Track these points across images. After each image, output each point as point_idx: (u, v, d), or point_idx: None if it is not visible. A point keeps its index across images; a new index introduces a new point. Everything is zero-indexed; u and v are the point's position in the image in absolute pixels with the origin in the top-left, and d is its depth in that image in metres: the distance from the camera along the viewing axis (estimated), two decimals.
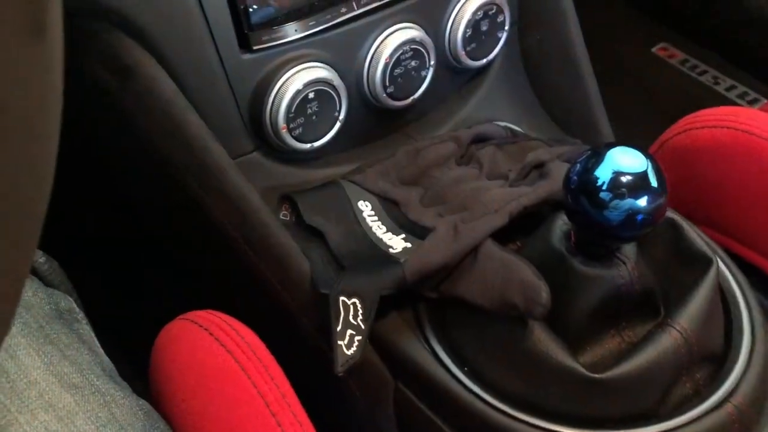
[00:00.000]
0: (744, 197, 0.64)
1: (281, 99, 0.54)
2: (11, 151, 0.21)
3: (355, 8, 0.56)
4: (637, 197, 0.45)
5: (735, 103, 1.26)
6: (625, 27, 1.38)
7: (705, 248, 0.53)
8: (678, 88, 1.30)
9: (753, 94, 1.27)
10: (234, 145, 0.55)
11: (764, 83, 1.24)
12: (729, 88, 1.29)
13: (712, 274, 0.51)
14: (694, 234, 0.54)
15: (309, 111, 0.55)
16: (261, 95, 0.55)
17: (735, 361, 0.50)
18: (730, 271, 0.55)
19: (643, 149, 0.46)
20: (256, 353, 0.45)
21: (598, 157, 0.46)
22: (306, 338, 0.53)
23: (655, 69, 1.32)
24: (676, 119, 0.69)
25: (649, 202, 0.45)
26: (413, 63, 0.59)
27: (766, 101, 1.21)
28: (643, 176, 0.45)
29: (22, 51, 0.20)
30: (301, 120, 0.55)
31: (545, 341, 0.48)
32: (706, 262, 0.52)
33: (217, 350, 0.46)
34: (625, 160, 0.45)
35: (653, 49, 1.36)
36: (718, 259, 0.54)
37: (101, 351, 0.48)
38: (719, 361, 0.51)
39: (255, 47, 0.54)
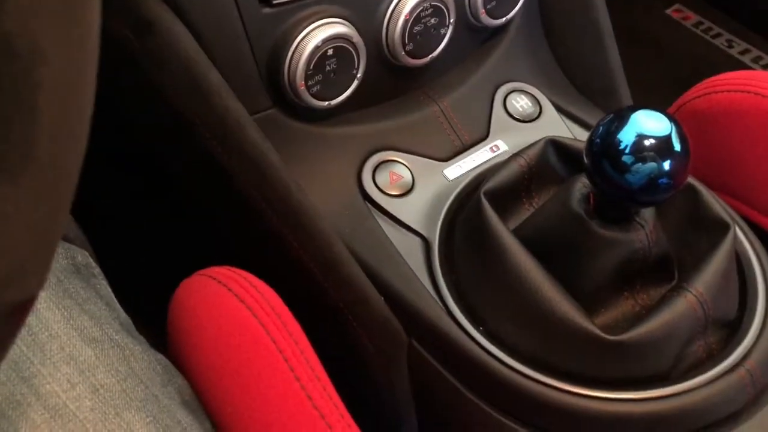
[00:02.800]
0: (762, 164, 0.63)
1: (300, 55, 0.53)
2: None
3: None
4: (660, 161, 0.45)
5: (749, 67, 1.24)
6: None
7: (722, 214, 0.53)
8: (691, 51, 1.28)
9: (767, 58, 1.25)
10: (252, 101, 0.54)
11: None
12: (743, 52, 1.27)
13: (728, 239, 0.51)
14: (712, 199, 0.54)
15: (327, 68, 0.55)
16: (280, 51, 0.54)
17: (749, 326, 0.51)
18: (747, 238, 0.55)
19: (667, 113, 0.46)
20: (275, 309, 0.46)
21: (621, 120, 0.46)
22: (323, 296, 0.54)
23: (669, 31, 1.30)
24: (689, 83, 0.68)
25: (671, 166, 0.45)
26: (433, 20, 0.58)
27: None
28: (666, 140, 0.45)
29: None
30: (319, 77, 0.55)
31: (560, 302, 0.48)
32: (723, 228, 0.52)
33: (236, 305, 0.46)
34: (648, 124, 0.45)
35: (667, 11, 1.35)
36: (735, 226, 0.54)
37: (118, 306, 0.48)
38: (733, 326, 0.52)
39: (275, 2, 0.53)
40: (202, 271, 0.49)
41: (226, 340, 0.46)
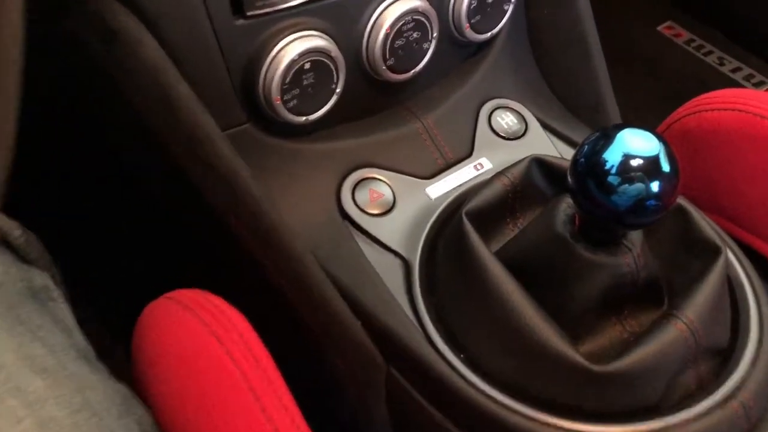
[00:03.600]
0: (753, 183, 0.62)
1: (275, 69, 0.51)
2: None
3: None
4: (647, 182, 0.43)
5: (741, 85, 1.24)
6: (632, 3, 1.36)
7: (713, 236, 0.51)
8: (683, 68, 1.27)
9: (759, 77, 1.25)
10: (225, 116, 0.52)
11: None
12: (734, 70, 1.27)
13: (720, 263, 0.49)
14: (703, 221, 0.52)
15: (304, 82, 0.53)
16: (254, 64, 0.52)
17: (742, 355, 0.49)
18: (739, 261, 0.53)
19: (654, 131, 0.44)
20: (242, 336, 0.43)
21: (607, 138, 0.44)
22: (297, 319, 0.51)
23: (661, 48, 1.30)
24: (681, 100, 0.67)
25: (660, 187, 0.43)
26: (415, 35, 0.56)
27: None
28: (654, 160, 0.43)
29: None
30: (296, 91, 0.53)
31: (543, 329, 0.46)
32: (714, 251, 0.50)
33: (201, 331, 0.43)
34: (636, 143, 0.43)
35: (659, 28, 1.34)
36: (727, 248, 0.52)
37: (77, 332, 0.46)
38: (725, 355, 0.49)
39: (249, 13, 0.51)
40: (168, 294, 0.47)
41: (190, 367, 0.43)
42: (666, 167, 0.43)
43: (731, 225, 0.62)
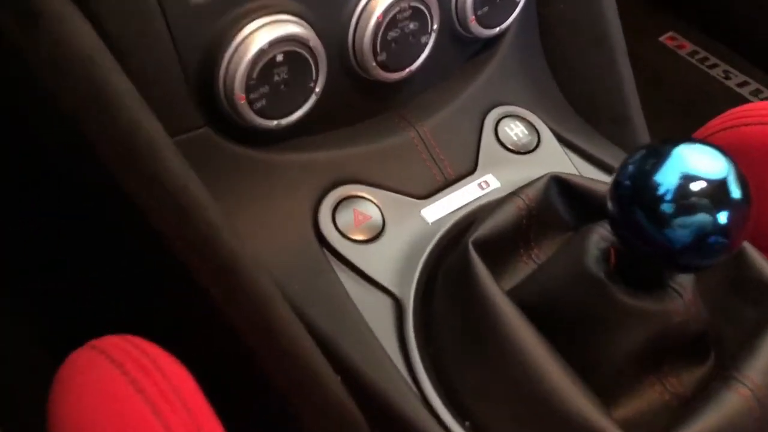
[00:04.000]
0: None
1: (239, 61, 0.43)
2: None
3: None
4: (713, 212, 0.34)
5: (748, 101, 1.20)
6: (632, 12, 1.32)
7: None
8: (687, 81, 1.24)
9: (766, 92, 1.20)
10: (176, 118, 0.44)
11: None
12: (741, 84, 1.23)
13: None
14: (759, 257, 0.44)
15: (276, 78, 0.45)
16: (214, 55, 0.44)
17: None
18: None
19: (719, 147, 0.35)
20: (182, 398, 0.35)
21: (659, 155, 0.35)
22: (262, 376, 0.43)
23: (664, 60, 1.27)
24: (688, 115, 0.60)
25: (729, 219, 0.34)
26: (411, 26, 0.49)
27: None
28: (722, 184, 0.34)
29: None
30: (264, 89, 0.45)
31: (572, 395, 0.38)
32: None
33: (128, 393, 0.34)
34: (697, 162, 0.35)
35: (661, 39, 1.30)
36: None
37: None
38: None
39: None
40: (94, 342, 0.38)
41: (112, 427, 0.34)
42: (737, 193, 0.34)
43: None
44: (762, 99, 1.21)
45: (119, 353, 0.36)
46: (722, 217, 0.34)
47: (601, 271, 0.39)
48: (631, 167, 0.36)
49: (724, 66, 1.26)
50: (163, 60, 0.43)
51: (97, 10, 0.41)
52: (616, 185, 0.36)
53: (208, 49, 0.44)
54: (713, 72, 1.26)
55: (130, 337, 0.38)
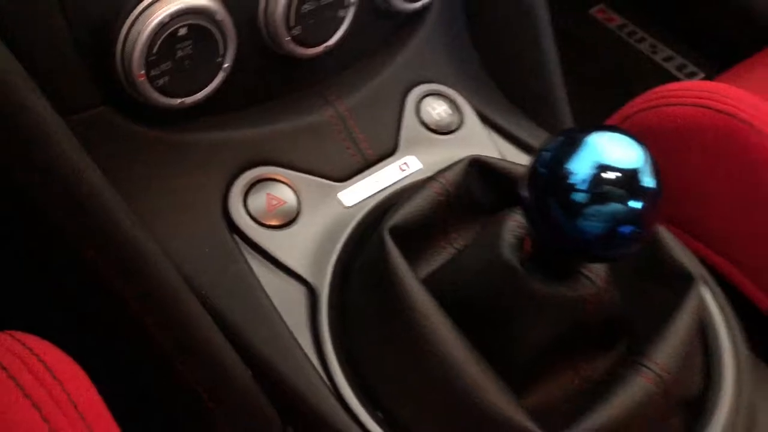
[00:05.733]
0: (720, 194, 0.54)
1: (138, 34, 0.41)
2: None
3: None
4: (626, 202, 0.33)
5: (674, 76, 1.22)
6: None
7: (685, 260, 0.43)
8: (615, 54, 1.25)
9: (691, 67, 1.23)
10: (69, 97, 0.41)
11: (703, 56, 1.18)
12: (667, 59, 1.25)
13: (694, 296, 0.42)
14: (672, 241, 0.44)
15: (179, 54, 0.42)
16: (109, 27, 0.41)
17: (716, 406, 0.41)
18: (711, 291, 0.46)
19: (634, 136, 0.34)
20: (77, 405, 0.32)
21: (574, 144, 0.34)
22: (170, 373, 0.41)
23: (592, 33, 1.27)
24: (616, 89, 0.61)
25: (642, 208, 0.33)
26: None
27: (704, 75, 1.18)
28: (634, 173, 0.34)
29: None
30: (167, 65, 0.42)
31: (486, 387, 0.38)
32: (686, 281, 0.42)
33: (18, 402, 0.32)
34: (612, 150, 0.34)
35: (591, 11, 1.31)
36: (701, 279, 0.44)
37: None
38: (698, 405, 0.42)
39: None
40: None
41: None
42: (650, 183, 0.34)
43: (695, 242, 0.54)
44: (687, 73, 1.23)
45: (5, 354, 0.34)
46: (635, 207, 0.34)
47: (515, 259, 0.39)
48: (546, 154, 0.35)
49: (651, 40, 1.28)
50: (52, 32, 0.39)
51: None
52: (533, 172, 0.36)
53: (103, 19, 0.41)
54: (641, 46, 1.27)
55: (18, 333, 0.35)
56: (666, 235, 0.44)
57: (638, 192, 0.34)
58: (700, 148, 0.55)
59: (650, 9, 1.25)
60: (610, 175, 0.34)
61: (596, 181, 0.34)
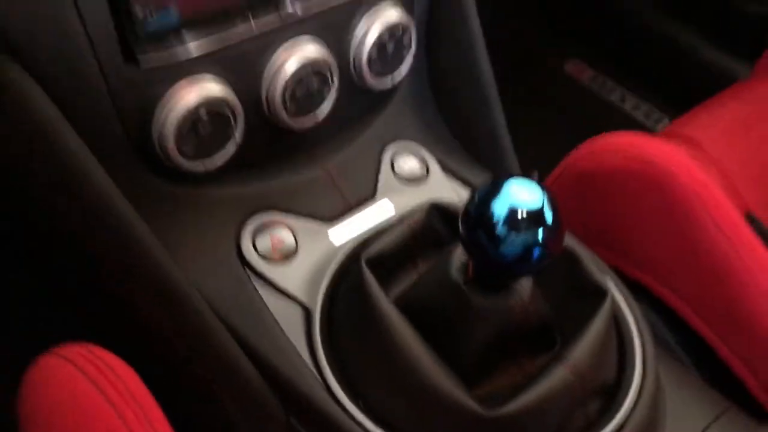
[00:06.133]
0: (640, 225, 0.65)
1: (170, 119, 0.51)
2: None
3: (254, 29, 0.53)
4: (532, 233, 0.44)
5: (640, 123, 1.26)
6: (537, 37, 1.39)
7: (600, 279, 0.53)
8: (587, 106, 1.30)
9: (657, 113, 1.29)
10: (118, 166, 0.51)
11: (667, 102, 1.25)
12: (634, 107, 1.31)
13: (606, 307, 0.51)
14: (591, 264, 0.54)
15: (201, 132, 0.52)
16: (147, 113, 0.51)
17: (626, 393, 0.51)
18: (624, 299, 0.56)
19: (539, 183, 0.46)
20: (133, 394, 0.42)
21: (495, 190, 0.45)
22: (190, 369, 0.51)
23: (565, 86, 1.33)
24: (583, 139, 0.70)
25: (544, 236, 0.44)
26: (315, 83, 0.56)
27: (669, 121, 1.23)
28: (538, 212, 0.44)
29: None
30: (193, 140, 0.52)
31: (437, 376, 0.47)
32: (601, 294, 0.52)
33: (89, 390, 0.42)
34: (521, 195, 0.45)
35: (565, 65, 1.36)
36: (613, 290, 0.54)
37: None
38: (612, 392, 0.51)
39: (141, 61, 0.50)
40: (56, 350, 0.46)
41: (77, 425, 0.42)
42: (549, 218, 0.44)
43: (620, 260, 0.64)
44: (655, 120, 1.30)
45: (78, 357, 0.44)
46: (540, 236, 0.44)
47: (460, 279, 0.48)
48: (476, 199, 0.46)
49: (621, 90, 1.34)
50: (105, 119, 0.50)
51: (45, 75, 0.46)
52: (466, 213, 0.46)
53: (142, 108, 0.50)
54: (612, 97, 1.33)
55: (87, 345, 0.46)
56: (584, 259, 0.54)
57: (541, 224, 0.44)
58: (625, 190, 0.65)
59: (620, 61, 1.31)
60: (521, 214, 0.45)
61: (511, 218, 0.45)
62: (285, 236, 0.57)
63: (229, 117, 0.53)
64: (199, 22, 0.51)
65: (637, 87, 1.29)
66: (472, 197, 0.46)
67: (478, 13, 0.65)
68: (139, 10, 0.48)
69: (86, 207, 0.48)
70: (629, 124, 1.26)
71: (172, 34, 0.50)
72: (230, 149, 0.54)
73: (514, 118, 0.70)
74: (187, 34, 0.51)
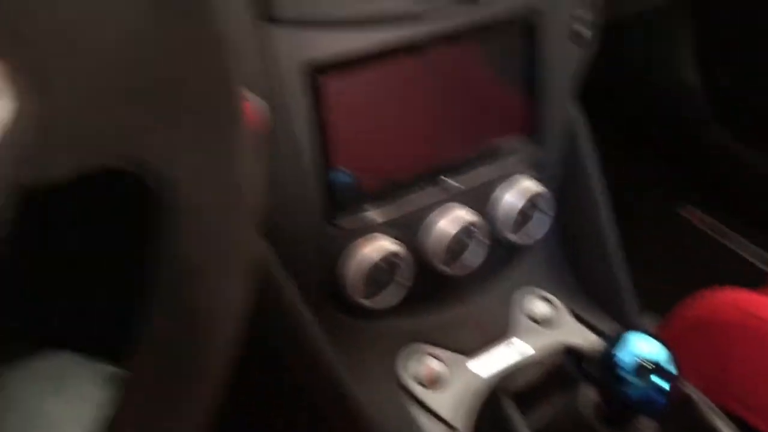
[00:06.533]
0: (755, 375, 0.71)
1: (361, 269, 0.63)
2: None
3: (423, 200, 0.66)
4: (653, 379, 0.53)
5: (759, 269, 1.27)
6: (653, 183, 1.44)
7: (721, 426, 0.59)
8: (701, 254, 1.33)
9: None
10: (313, 303, 0.64)
11: None
12: (753, 254, 1.32)
13: None
14: (710, 411, 0.61)
15: (380, 277, 0.65)
16: (342, 264, 0.64)
17: None
18: None
19: (657, 337, 0.55)
20: None
21: (621, 343, 0.55)
22: None
23: (681, 232, 1.37)
24: (701, 286, 0.77)
25: (663, 383, 0.53)
26: (469, 241, 0.68)
27: None
28: (659, 362, 0.54)
29: None
30: (374, 284, 0.65)
31: None
32: None
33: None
34: (643, 347, 0.55)
35: (680, 211, 1.38)
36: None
37: None
38: None
39: (338, 224, 0.63)
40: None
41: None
42: (670, 368, 0.54)
43: (733, 404, 0.70)
44: None
45: None
46: (660, 383, 0.53)
47: (592, 415, 0.57)
48: (607, 349, 0.56)
49: (738, 239, 1.31)
50: (308, 267, 0.64)
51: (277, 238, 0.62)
52: (600, 360, 0.56)
53: (335, 258, 0.65)
54: (732, 245, 1.31)
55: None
56: (704, 407, 0.60)
57: (660, 374, 0.54)
58: (742, 344, 0.71)
59: (736, 208, 1.33)
60: (644, 363, 0.54)
61: (637, 366, 0.54)
62: (436, 365, 0.68)
63: (401, 266, 0.66)
64: (382, 195, 0.66)
65: (758, 236, 1.30)
66: (606, 347, 0.56)
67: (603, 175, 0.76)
68: (340, 188, 0.63)
69: (293, 340, 0.61)
70: (748, 270, 1.28)
71: (362, 204, 0.65)
72: (401, 291, 0.67)
73: (629, 257, 0.79)
74: (375, 206, 0.65)
